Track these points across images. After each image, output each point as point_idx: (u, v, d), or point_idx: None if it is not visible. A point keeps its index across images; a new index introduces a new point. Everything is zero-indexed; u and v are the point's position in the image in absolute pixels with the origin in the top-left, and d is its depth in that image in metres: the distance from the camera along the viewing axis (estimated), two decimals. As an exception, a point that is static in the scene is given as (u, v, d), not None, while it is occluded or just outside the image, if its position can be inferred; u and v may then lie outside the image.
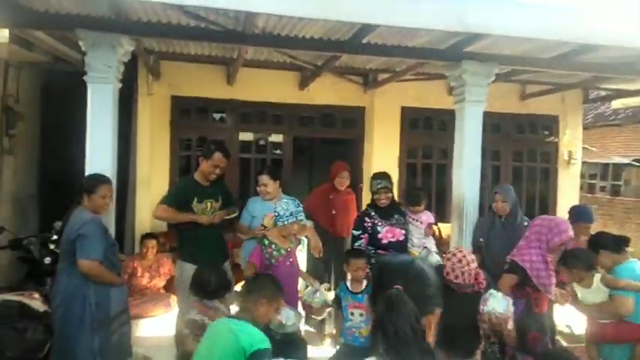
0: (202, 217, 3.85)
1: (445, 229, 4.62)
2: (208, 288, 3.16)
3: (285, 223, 3.49)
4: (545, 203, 7.16)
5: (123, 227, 5.84)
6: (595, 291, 3.36)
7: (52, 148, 6.44)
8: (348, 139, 6.98)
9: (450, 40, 4.07)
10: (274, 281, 2.75)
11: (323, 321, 4.31)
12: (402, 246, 3.98)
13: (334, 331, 3.97)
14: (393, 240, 3.95)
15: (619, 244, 3.45)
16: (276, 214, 3.53)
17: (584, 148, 7.74)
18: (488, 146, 6.20)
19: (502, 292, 3.19)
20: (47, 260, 4.18)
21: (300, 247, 4.25)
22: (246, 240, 4.21)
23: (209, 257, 3.70)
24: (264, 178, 4.18)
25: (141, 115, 5.88)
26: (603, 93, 7.33)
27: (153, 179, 5.82)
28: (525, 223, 4.01)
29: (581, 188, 8.24)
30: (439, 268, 3.18)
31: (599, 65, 4.59)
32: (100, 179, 3.38)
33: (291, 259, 3.63)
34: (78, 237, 3.14)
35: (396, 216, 4.05)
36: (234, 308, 3.45)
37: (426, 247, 4.18)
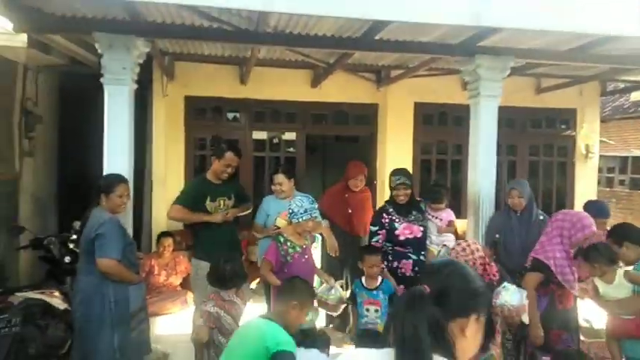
0: (216, 216, 3.89)
1: (461, 225, 4.60)
2: (224, 276, 3.19)
3: (300, 220, 3.50)
4: (562, 198, 7.07)
5: (140, 226, 5.92)
6: (618, 286, 3.28)
7: (69, 150, 6.55)
8: (362, 136, 6.97)
9: (464, 35, 4.04)
10: (307, 285, 2.74)
11: (345, 321, 4.30)
12: (419, 243, 3.96)
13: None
14: (410, 237, 3.94)
15: None
16: (291, 211, 3.54)
17: (601, 142, 7.61)
18: (504, 141, 6.15)
19: (515, 286, 3.15)
20: (67, 259, 4.26)
21: (314, 244, 4.26)
22: (262, 238, 4.24)
23: (221, 259, 3.74)
24: (280, 177, 4.20)
25: (156, 115, 5.95)
26: (622, 85, 7.20)
27: (168, 179, 5.89)
28: (541, 217, 3.97)
29: (599, 182, 8.11)
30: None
31: (618, 57, 4.51)
32: (116, 179, 3.43)
33: (306, 256, 3.64)
34: (97, 236, 3.19)
35: (414, 212, 4.02)
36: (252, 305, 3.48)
37: (445, 245, 4.15)
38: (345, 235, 4.64)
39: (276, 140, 6.59)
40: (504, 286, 3.09)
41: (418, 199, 4.25)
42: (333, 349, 3.68)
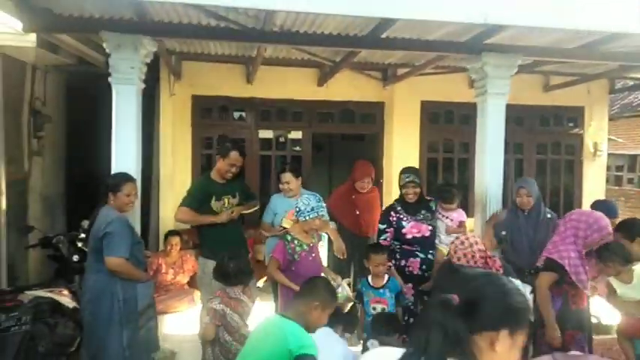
0: (221, 215, 3.91)
1: (468, 223, 4.57)
2: (228, 273, 3.19)
3: (307, 218, 3.51)
4: (570, 196, 7.03)
5: (147, 225, 5.95)
6: (636, 286, 3.21)
7: (78, 149, 6.60)
8: (368, 134, 6.96)
9: (471, 33, 4.02)
10: (329, 286, 2.69)
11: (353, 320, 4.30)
12: (427, 242, 3.95)
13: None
14: (418, 235, 3.93)
15: None
16: (298, 209, 3.54)
17: (610, 140, 7.55)
18: (511, 139, 6.11)
19: (519, 281, 3.11)
20: (75, 258, 4.29)
21: (320, 242, 4.27)
22: (270, 237, 4.25)
23: (227, 255, 3.76)
24: (287, 176, 4.21)
25: (163, 114, 5.98)
26: (631, 83, 7.14)
27: (176, 178, 5.91)
28: (549, 216, 3.95)
29: (607, 180, 8.04)
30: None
31: (625, 54, 4.47)
32: (124, 178, 3.45)
33: (313, 254, 3.64)
34: (105, 235, 3.21)
35: (422, 212, 4.01)
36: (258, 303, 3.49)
37: None
38: (353, 237, 4.61)
39: (282, 139, 6.60)
40: (509, 280, 3.07)
41: (428, 198, 4.22)
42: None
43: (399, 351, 1.30)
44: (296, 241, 3.56)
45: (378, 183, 5.95)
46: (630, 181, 13.12)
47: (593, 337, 3.51)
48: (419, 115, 6.47)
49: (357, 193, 4.70)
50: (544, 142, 6.93)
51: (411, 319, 3.84)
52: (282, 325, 2.39)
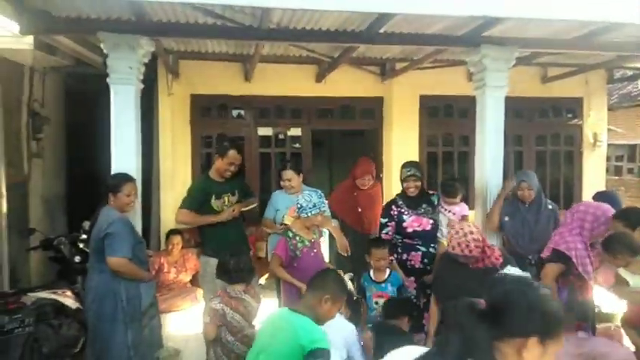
0: (222, 214, 3.91)
1: (469, 217, 4.58)
2: (229, 270, 3.17)
3: (309, 215, 3.51)
4: (570, 187, 7.03)
5: (149, 224, 5.96)
6: None
7: (77, 150, 6.60)
8: (367, 129, 6.95)
9: (469, 26, 4.01)
10: (340, 279, 2.64)
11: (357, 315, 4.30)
12: (428, 235, 3.95)
13: None
14: (418, 229, 3.94)
15: None
16: (299, 206, 3.55)
17: (609, 130, 7.55)
18: (511, 131, 6.10)
19: (518, 268, 3.10)
20: (77, 259, 4.30)
21: (322, 238, 4.27)
22: (272, 234, 4.25)
23: (229, 253, 3.76)
24: (289, 173, 4.21)
25: (162, 114, 5.98)
26: (629, 72, 7.12)
27: (176, 177, 5.92)
28: (550, 207, 3.96)
29: (607, 171, 8.05)
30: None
31: (622, 44, 4.46)
32: (123, 178, 3.45)
33: (315, 250, 3.65)
34: (106, 235, 3.22)
35: (424, 205, 4.00)
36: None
37: None
38: (355, 234, 4.58)
39: (281, 136, 6.60)
40: (507, 269, 3.05)
41: (430, 192, 4.22)
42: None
43: (421, 350, 1.29)
44: (297, 238, 3.56)
45: (378, 178, 5.94)
46: (630, 171, 13.13)
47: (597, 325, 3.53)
48: (418, 109, 6.46)
49: (359, 189, 4.67)
50: (543, 134, 6.93)
51: (414, 313, 3.85)
52: (292, 320, 2.35)
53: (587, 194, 6.80)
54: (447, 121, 6.65)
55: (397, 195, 4.13)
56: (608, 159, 8.00)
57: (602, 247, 3.26)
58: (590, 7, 3.50)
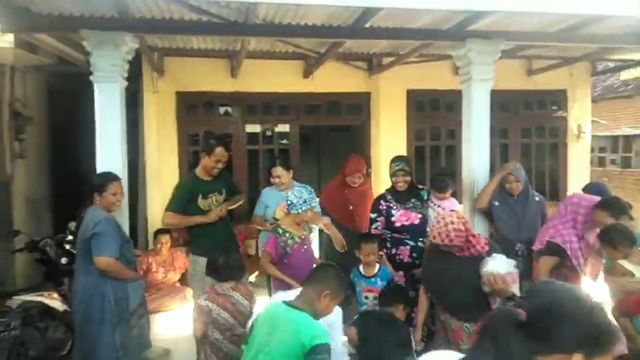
0: (210, 214, 3.88)
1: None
2: (219, 267, 3.13)
3: (299, 211, 3.50)
4: (556, 178, 7.12)
5: (136, 224, 5.90)
6: None
7: (62, 150, 6.50)
8: (355, 125, 6.95)
9: (454, 19, 4.02)
10: (340, 274, 2.56)
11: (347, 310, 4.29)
12: (417, 229, 3.96)
13: None
14: (407, 223, 3.95)
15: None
16: (290, 202, 3.54)
17: (593, 122, 7.65)
18: (496, 124, 6.11)
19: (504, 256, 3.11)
20: (64, 260, 4.25)
21: (311, 234, 4.26)
22: (262, 231, 4.23)
23: (218, 250, 3.74)
24: (278, 170, 4.19)
25: (147, 112, 5.91)
26: (612, 64, 7.22)
27: (163, 176, 5.86)
28: (537, 199, 4.00)
29: (591, 162, 8.15)
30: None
31: (606, 36, 4.51)
32: (108, 177, 3.41)
33: (305, 246, 3.65)
34: (93, 235, 3.18)
35: (412, 200, 4.02)
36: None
37: None
38: (347, 232, 4.56)
39: (269, 133, 6.57)
40: (493, 256, 3.06)
41: (420, 186, 4.23)
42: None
43: (458, 356, 1.26)
44: (287, 234, 3.56)
45: (367, 174, 5.94)
46: (613, 161, 13.34)
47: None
48: (405, 103, 6.48)
49: (349, 187, 4.63)
50: (528, 126, 6.99)
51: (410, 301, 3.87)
52: (291, 317, 2.29)
53: (572, 185, 6.89)
54: (434, 115, 6.67)
55: (386, 190, 4.14)
56: (591, 150, 8.10)
57: (601, 240, 3.23)
58: (574, 0, 3.54)
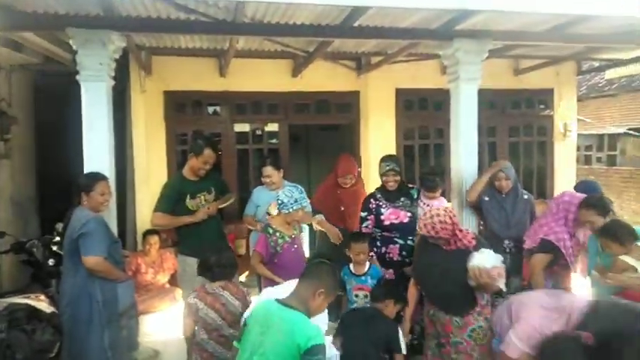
0: (198, 214, 3.86)
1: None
2: (212, 266, 3.10)
3: (290, 210, 3.50)
4: (543, 177, 7.20)
5: (124, 224, 5.85)
6: None
7: (48, 150, 6.42)
8: (344, 124, 6.96)
9: (442, 19, 4.05)
10: (334, 271, 2.54)
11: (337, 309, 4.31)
12: (406, 228, 3.99)
13: None
14: (396, 222, 3.97)
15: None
16: (280, 202, 3.53)
17: (579, 120, 7.74)
18: (484, 123, 6.19)
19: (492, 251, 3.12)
20: (51, 262, 4.20)
21: (301, 234, 4.26)
22: (253, 231, 4.22)
23: (210, 250, 3.72)
24: (268, 170, 4.18)
25: (135, 111, 5.85)
26: (597, 64, 7.31)
27: (151, 176, 5.81)
28: (525, 197, 4.04)
29: (578, 160, 8.26)
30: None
31: (592, 36, 4.57)
32: (95, 177, 3.38)
33: (295, 246, 3.65)
34: (80, 235, 3.15)
35: (402, 199, 4.05)
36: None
37: None
38: (340, 231, 4.55)
39: (259, 132, 6.55)
40: (480, 251, 3.08)
41: (410, 185, 4.25)
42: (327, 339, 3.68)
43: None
44: (278, 234, 3.55)
45: (359, 173, 5.94)
46: (599, 160, 13.52)
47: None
48: (394, 102, 6.50)
49: (342, 188, 4.62)
50: (516, 125, 7.06)
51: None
52: (285, 316, 2.25)
53: (559, 183, 6.97)
54: (423, 114, 6.71)
55: (376, 189, 4.17)
56: (577, 149, 8.21)
57: (604, 237, 3.17)
58: (560, 0, 3.57)
